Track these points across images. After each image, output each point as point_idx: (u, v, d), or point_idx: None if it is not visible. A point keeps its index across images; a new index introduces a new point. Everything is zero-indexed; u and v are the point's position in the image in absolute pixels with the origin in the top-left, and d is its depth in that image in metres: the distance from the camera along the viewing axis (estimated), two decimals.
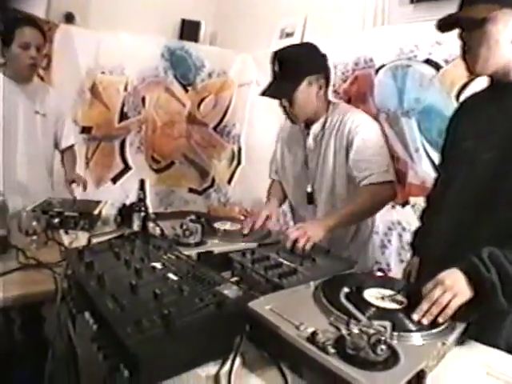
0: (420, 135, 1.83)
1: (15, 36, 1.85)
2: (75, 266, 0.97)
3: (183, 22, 3.41)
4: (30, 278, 1.20)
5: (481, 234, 0.99)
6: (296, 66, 1.48)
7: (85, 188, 2.08)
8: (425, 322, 0.82)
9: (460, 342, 0.87)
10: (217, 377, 0.75)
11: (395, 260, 1.82)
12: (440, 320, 0.83)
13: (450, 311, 0.84)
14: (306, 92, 1.51)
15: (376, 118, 1.99)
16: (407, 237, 1.79)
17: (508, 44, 0.99)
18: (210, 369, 0.77)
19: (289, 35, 2.84)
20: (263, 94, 1.54)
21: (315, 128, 1.63)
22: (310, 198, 1.67)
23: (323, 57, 1.58)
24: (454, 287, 0.86)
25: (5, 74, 1.94)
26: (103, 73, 2.81)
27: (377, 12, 2.31)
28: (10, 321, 1.85)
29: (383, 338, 0.66)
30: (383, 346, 0.65)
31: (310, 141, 1.64)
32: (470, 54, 1.05)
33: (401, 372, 0.65)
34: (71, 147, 2.26)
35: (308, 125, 1.64)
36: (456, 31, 1.08)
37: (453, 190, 1.09)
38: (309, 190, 1.66)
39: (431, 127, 1.78)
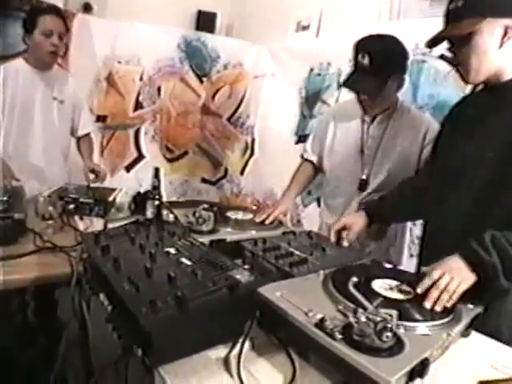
0: None
1: (38, 23, 1.88)
2: (91, 249, 1.00)
3: (199, 13, 3.44)
4: (45, 260, 1.23)
5: (487, 225, 1.01)
6: (387, 62, 1.47)
7: (103, 180, 2.09)
8: (437, 309, 0.86)
9: (466, 334, 0.88)
10: (226, 359, 0.77)
11: (406, 254, 1.82)
12: (448, 305, 0.86)
13: (456, 296, 0.88)
14: (390, 89, 1.52)
15: None
16: (417, 231, 1.80)
17: (496, 51, 1.03)
18: (220, 351, 0.79)
19: (305, 28, 2.84)
20: (347, 86, 1.54)
21: (381, 119, 1.63)
22: (363, 185, 1.67)
23: (406, 53, 1.56)
24: (458, 273, 0.90)
25: (26, 61, 1.98)
26: (119, 62, 2.87)
27: (393, 6, 2.30)
28: (24, 304, 1.92)
29: (389, 326, 0.67)
30: (389, 333, 0.67)
31: (373, 130, 1.64)
32: (461, 66, 1.09)
33: (405, 359, 0.67)
34: (87, 135, 2.29)
35: (374, 115, 1.64)
36: None
37: (458, 188, 1.12)
38: (363, 176, 1.67)
39: None
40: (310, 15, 2.82)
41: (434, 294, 0.87)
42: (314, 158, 1.84)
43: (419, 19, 2.02)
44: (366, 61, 1.47)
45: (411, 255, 1.84)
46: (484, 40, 1.02)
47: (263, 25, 3.22)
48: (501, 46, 1.03)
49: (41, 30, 1.89)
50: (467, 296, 0.90)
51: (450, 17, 1.08)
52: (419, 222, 1.78)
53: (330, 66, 2.52)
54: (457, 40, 1.06)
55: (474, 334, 0.90)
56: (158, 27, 2.95)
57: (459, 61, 1.09)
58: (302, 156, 1.88)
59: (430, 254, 1.20)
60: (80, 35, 2.67)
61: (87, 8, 3.01)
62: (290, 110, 2.78)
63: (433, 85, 1.92)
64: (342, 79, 1.79)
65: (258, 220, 1.53)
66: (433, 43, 1.12)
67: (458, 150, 1.14)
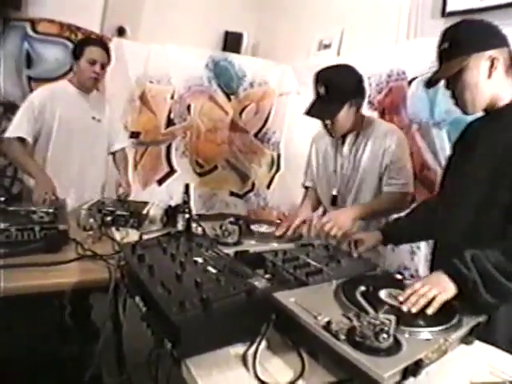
0: (450, 145, 1.88)
1: (85, 53, 2.11)
2: (129, 257, 1.14)
3: (226, 33, 3.59)
4: (85, 267, 1.35)
5: (484, 239, 1.10)
6: (340, 90, 1.62)
7: (127, 196, 2.23)
8: (413, 310, 0.93)
9: (468, 341, 0.95)
10: (244, 356, 0.88)
11: (424, 266, 1.88)
12: (429, 311, 0.94)
13: (436, 304, 0.95)
14: (347, 113, 1.66)
15: (408, 128, 2.07)
16: None
17: (486, 82, 1.12)
18: (239, 349, 0.90)
19: (326, 47, 2.94)
20: (308, 113, 1.67)
21: (350, 138, 1.76)
22: (334, 201, 1.82)
23: (361, 80, 1.71)
24: (438, 285, 0.99)
25: (71, 83, 2.20)
26: (151, 82, 3.04)
27: (410, 25, 2.37)
28: (62, 307, 2.07)
29: (386, 328, 0.76)
30: (385, 335, 0.76)
31: (345, 149, 1.78)
32: (459, 101, 1.18)
33: (399, 359, 0.76)
34: (123, 149, 2.46)
35: (343, 135, 1.77)
36: None
37: (460, 205, 1.20)
38: (334, 192, 1.82)
39: None
40: (332, 34, 2.93)
41: (412, 299, 0.95)
42: (309, 183, 2.00)
43: (434, 38, 2.10)
44: (322, 90, 1.63)
45: None
46: (473, 74, 1.12)
47: (288, 44, 3.34)
48: (490, 75, 1.12)
49: (86, 59, 2.11)
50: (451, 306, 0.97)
51: (441, 58, 1.18)
52: None
53: None
54: (450, 78, 1.16)
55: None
56: (187, 48, 3.12)
57: (456, 96, 1.18)
58: (302, 184, 2.04)
59: (436, 267, 1.27)
60: (115, 57, 2.81)
61: (121, 32, 3.19)
62: (315, 126, 2.87)
63: (449, 101, 1.97)
64: None
65: (278, 234, 1.64)
66: (429, 85, 1.21)
67: (460, 171, 1.23)
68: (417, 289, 0.98)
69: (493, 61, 1.11)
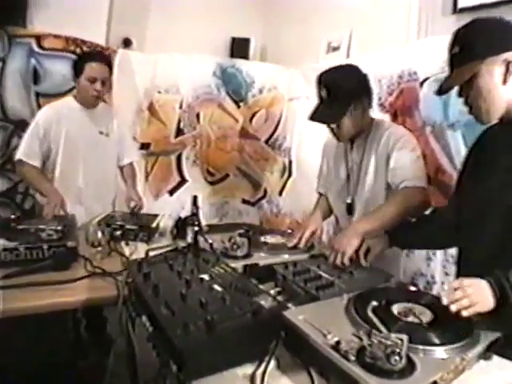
0: (465, 148, 1.83)
1: (84, 69, 2.08)
2: (135, 275, 1.13)
3: (233, 39, 3.57)
4: (95, 284, 1.35)
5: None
6: (343, 92, 1.55)
7: (140, 208, 2.22)
8: (453, 308, 0.89)
9: (487, 357, 0.90)
10: (253, 376, 0.85)
11: (440, 272, 1.83)
12: (463, 314, 0.90)
13: (471, 311, 0.91)
14: (353, 115, 1.59)
15: (422, 130, 2.02)
16: (452, 250, 1.80)
17: (501, 88, 1.04)
18: (247, 369, 0.87)
19: (335, 49, 2.91)
20: (312, 118, 1.62)
21: (358, 143, 1.70)
22: (350, 209, 1.74)
23: (366, 79, 1.65)
24: (478, 294, 0.93)
25: (75, 99, 2.20)
26: (159, 92, 3.04)
27: (420, 23, 2.32)
28: (76, 320, 2.08)
29: (397, 350, 0.73)
30: (397, 357, 0.72)
31: (354, 155, 1.72)
32: (472, 109, 1.11)
33: (412, 382, 0.72)
34: (130, 164, 2.44)
35: (352, 140, 1.72)
36: None
37: (483, 218, 1.13)
38: (348, 201, 1.74)
39: None
40: (340, 36, 2.88)
41: (458, 294, 0.91)
42: (322, 190, 1.95)
43: (446, 36, 2.04)
44: (324, 93, 1.57)
45: (446, 273, 1.84)
46: (486, 81, 1.04)
47: (296, 48, 3.31)
48: (505, 81, 1.04)
49: (86, 76, 2.08)
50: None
51: (452, 63, 1.11)
52: None
53: None
54: (463, 85, 1.09)
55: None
56: (194, 56, 3.11)
57: (470, 104, 1.11)
58: (316, 190, 1.99)
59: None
60: (122, 69, 2.83)
61: (127, 43, 3.20)
62: (325, 131, 2.84)
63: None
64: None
65: (290, 245, 1.61)
66: (440, 93, 1.14)
67: (480, 184, 1.15)
68: (465, 285, 0.93)
69: (508, 65, 1.03)
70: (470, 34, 1.08)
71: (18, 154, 2.09)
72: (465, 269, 1.24)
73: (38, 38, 2.61)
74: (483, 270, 0.98)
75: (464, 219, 1.21)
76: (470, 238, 1.17)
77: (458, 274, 1.28)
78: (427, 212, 1.51)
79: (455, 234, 1.25)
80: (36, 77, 2.63)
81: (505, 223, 1.06)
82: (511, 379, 0.86)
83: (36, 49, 2.60)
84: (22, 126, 2.42)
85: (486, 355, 0.90)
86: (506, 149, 1.09)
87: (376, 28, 2.62)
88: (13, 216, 1.69)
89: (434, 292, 1.86)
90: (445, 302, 0.89)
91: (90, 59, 2.12)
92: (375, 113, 2.25)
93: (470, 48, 1.06)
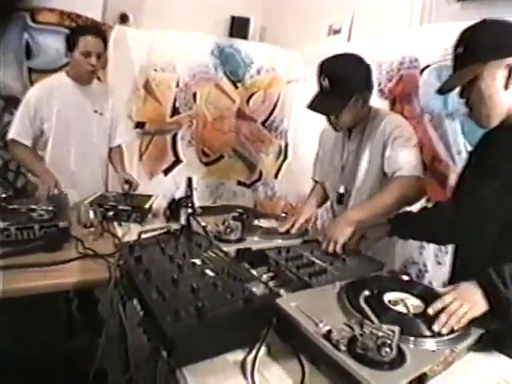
0: (463, 137, 1.81)
1: (78, 43, 2.01)
2: (127, 258, 1.11)
3: (233, 18, 3.50)
4: (86, 266, 1.34)
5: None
6: (346, 84, 1.50)
7: (135, 189, 2.15)
8: (444, 331, 0.87)
9: (477, 349, 0.91)
10: (243, 363, 0.85)
11: (432, 261, 1.83)
12: (455, 328, 0.88)
13: (465, 321, 0.89)
14: (353, 107, 1.55)
15: (420, 118, 2.00)
16: None
17: (502, 93, 1.02)
18: (238, 355, 0.87)
19: (336, 32, 2.85)
20: (311, 107, 1.57)
21: (356, 132, 1.68)
22: (340, 199, 1.73)
23: (369, 71, 1.60)
24: (469, 300, 0.91)
25: (67, 75, 2.13)
26: (156, 70, 2.96)
27: (424, 10, 2.27)
28: (69, 300, 2.08)
29: (388, 342, 0.73)
30: (388, 349, 0.72)
31: (351, 144, 1.70)
32: (473, 112, 1.09)
33: (402, 373, 0.72)
34: (119, 146, 2.37)
35: (349, 129, 1.69)
36: None
37: (483, 218, 1.12)
38: (341, 190, 1.72)
39: (475, 130, 1.74)
40: (342, 19, 2.82)
41: (443, 318, 0.89)
42: (318, 177, 1.93)
43: (449, 23, 2.00)
44: (326, 83, 1.51)
45: (438, 263, 1.85)
46: (488, 84, 1.02)
47: (296, 29, 3.24)
48: (507, 86, 1.01)
49: (80, 50, 2.01)
50: (479, 322, 0.91)
51: (455, 64, 1.08)
52: None
53: None
54: (464, 86, 1.06)
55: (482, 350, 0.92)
56: (192, 34, 3.03)
57: (470, 106, 1.08)
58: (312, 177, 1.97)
59: (458, 275, 1.23)
60: (117, 46, 2.75)
61: (124, 19, 3.13)
62: (323, 116, 2.81)
63: None
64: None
65: (281, 230, 1.59)
66: (442, 92, 1.12)
67: (480, 188, 1.13)
68: (447, 304, 0.92)
69: (510, 70, 1.00)
70: (476, 35, 1.05)
71: (10, 134, 2.05)
72: (461, 268, 1.24)
73: (32, 12, 2.51)
74: (479, 271, 0.98)
75: (463, 220, 1.20)
76: (469, 238, 1.17)
77: (453, 272, 1.28)
78: (429, 205, 1.49)
79: (454, 232, 1.24)
80: (29, 51, 2.54)
81: (504, 227, 1.05)
82: (501, 371, 0.87)
83: (30, 23, 2.51)
84: (13, 102, 2.35)
85: (476, 347, 0.91)
86: (506, 155, 1.07)
87: (379, 12, 2.56)
88: (3, 195, 1.66)
89: (426, 281, 1.87)
90: (436, 328, 0.88)
91: (85, 32, 2.04)
92: (374, 99, 2.21)
93: (473, 49, 1.03)
